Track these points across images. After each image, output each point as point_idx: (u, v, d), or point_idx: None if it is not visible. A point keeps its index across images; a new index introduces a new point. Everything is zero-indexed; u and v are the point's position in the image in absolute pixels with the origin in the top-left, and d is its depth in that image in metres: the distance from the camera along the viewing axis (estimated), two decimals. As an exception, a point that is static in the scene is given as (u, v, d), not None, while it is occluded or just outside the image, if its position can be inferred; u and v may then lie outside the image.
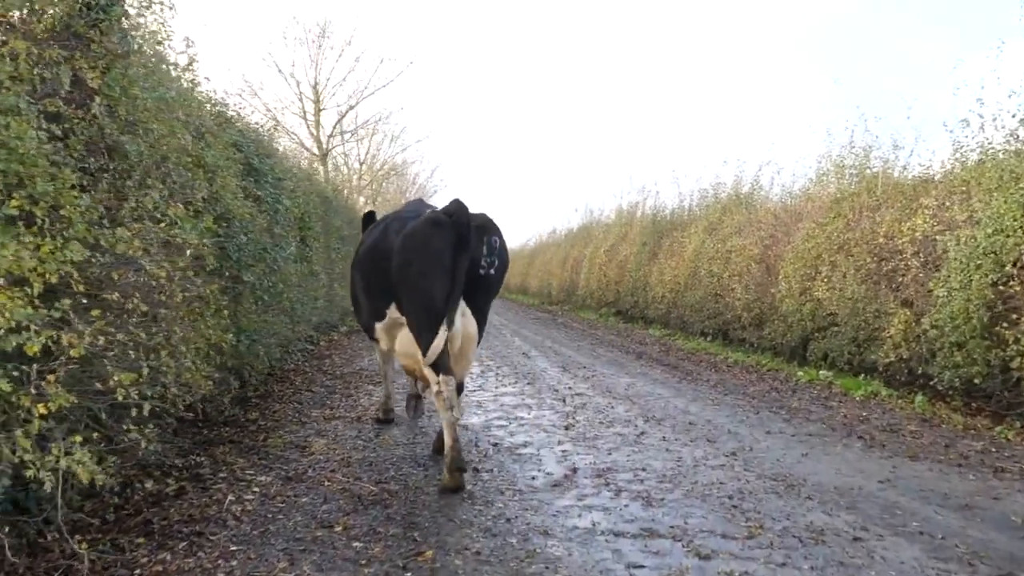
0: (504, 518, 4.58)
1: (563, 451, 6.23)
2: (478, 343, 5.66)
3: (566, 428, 7.07)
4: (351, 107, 29.05)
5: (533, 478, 5.46)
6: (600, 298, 23.04)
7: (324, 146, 28.39)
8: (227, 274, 6.29)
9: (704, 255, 15.52)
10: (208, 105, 7.80)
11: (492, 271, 5.39)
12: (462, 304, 5.28)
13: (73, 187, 3.34)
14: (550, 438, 6.68)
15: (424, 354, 5.25)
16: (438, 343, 5.13)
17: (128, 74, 4.03)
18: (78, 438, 3.42)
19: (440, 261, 5.16)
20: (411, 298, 5.36)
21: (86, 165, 3.65)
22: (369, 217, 7.45)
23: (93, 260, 3.59)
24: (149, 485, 4.69)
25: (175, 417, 5.14)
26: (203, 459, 5.46)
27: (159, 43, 6.05)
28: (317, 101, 27.90)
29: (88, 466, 3.38)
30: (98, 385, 3.58)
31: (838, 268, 10.83)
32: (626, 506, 4.89)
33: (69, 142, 3.57)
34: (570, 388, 9.34)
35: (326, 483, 5.17)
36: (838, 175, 12.64)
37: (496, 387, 9.38)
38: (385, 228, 5.98)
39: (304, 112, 28.10)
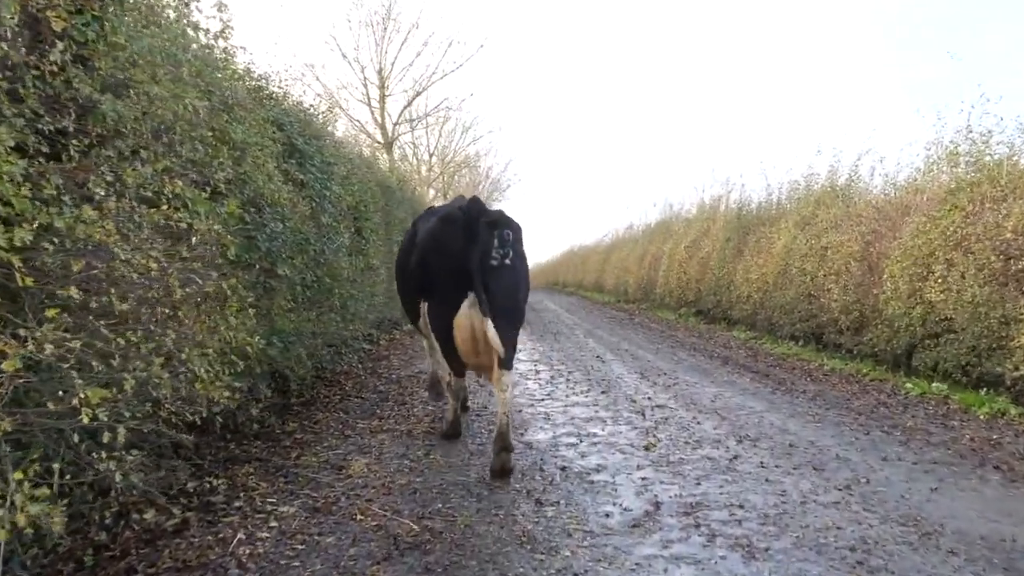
0: (571, 573, 3.70)
1: (643, 479, 5.31)
2: (511, 336, 5.69)
3: (646, 449, 6.14)
4: (418, 93, 27.89)
5: (607, 515, 4.57)
6: (680, 297, 21.90)
7: (390, 134, 27.35)
8: (257, 267, 5.56)
9: (796, 252, 14.32)
10: (247, 79, 7.12)
11: (507, 262, 5.58)
12: (472, 297, 5.54)
13: (11, 151, 2.59)
14: (627, 461, 5.76)
15: (433, 337, 6.00)
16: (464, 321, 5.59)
17: (108, 17, 3.27)
18: (18, 475, 2.68)
19: (451, 255, 5.57)
20: (417, 287, 6.10)
21: (41, 126, 2.90)
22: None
23: (48, 247, 2.84)
24: (149, 516, 3.96)
25: (189, 432, 4.42)
26: (220, 482, 4.71)
27: (186, 3, 5.37)
28: (382, 86, 26.87)
29: (28, 509, 2.63)
30: (51, 405, 2.83)
31: (955, 267, 9.59)
32: (723, 558, 3.96)
33: (21, 94, 2.82)
34: (649, 399, 8.40)
35: (359, 517, 4.36)
36: (951, 163, 11.36)
37: (567, 396, 8.50)
38: (415, 226, 6.68)
39: (368, 98, 27.11)
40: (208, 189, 4.74)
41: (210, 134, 5.04)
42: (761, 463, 5.81)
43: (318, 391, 7.98)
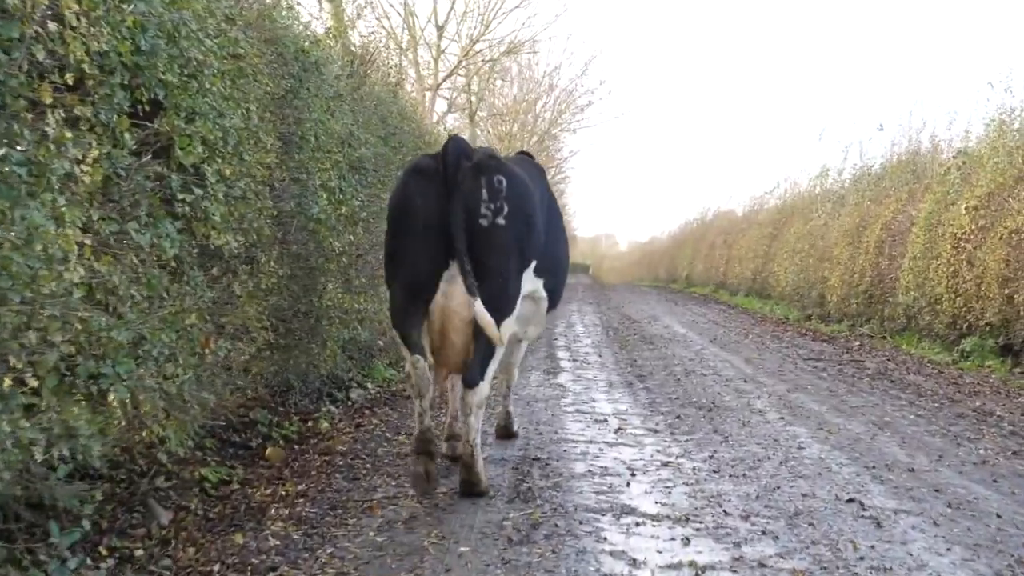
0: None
1: None
2: (508, 320, 6.95)
3: None
4: None
5: None
6: (956, 315, 17.10)
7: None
8: None
9: None
10: None
11: (500, 220, 6.66)
12: (452, 268, 6.71)
13: None
14: None
15: (397, 331, 7.21)
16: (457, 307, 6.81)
17: None
18: None
19: (421, 217, 6.78)
20: (389, 264, 7.39)
21: None
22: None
23: None
24: None
25: None
26: None
27: None
28: None
29: None
30: None
31: None
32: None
33: None
34: None
35: None
36: None
37: None
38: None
39: None
40: None
41: None
42: None
43: None
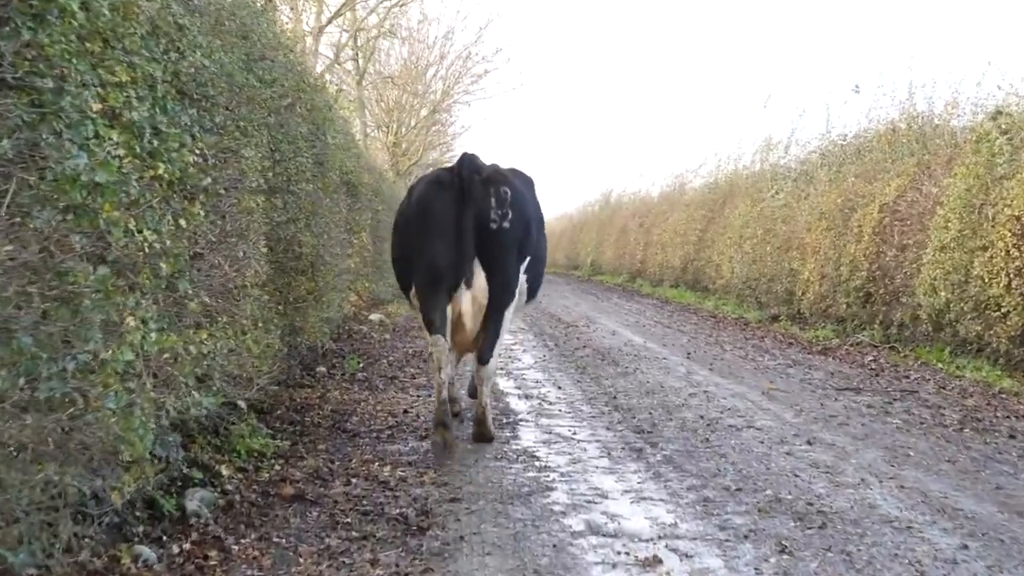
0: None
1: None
2: (510, 308, 8.51)
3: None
4: None
5: None
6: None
7: None
8: None
9: None
10: None
11: (506, 224, 7.93)
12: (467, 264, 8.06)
13: None
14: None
15: (424, 319, 8.45)
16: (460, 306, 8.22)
17: None
18: None
19: (441, 222, 8.01)
20: (416, 264, 8.49)
21: None
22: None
23: None
24: None
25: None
26: None
27: None
28: None
29: None
30: None
31: None
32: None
33: None
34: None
35: None
36: None
37: None
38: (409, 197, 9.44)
39: None
40: None
41: None
42: None
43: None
